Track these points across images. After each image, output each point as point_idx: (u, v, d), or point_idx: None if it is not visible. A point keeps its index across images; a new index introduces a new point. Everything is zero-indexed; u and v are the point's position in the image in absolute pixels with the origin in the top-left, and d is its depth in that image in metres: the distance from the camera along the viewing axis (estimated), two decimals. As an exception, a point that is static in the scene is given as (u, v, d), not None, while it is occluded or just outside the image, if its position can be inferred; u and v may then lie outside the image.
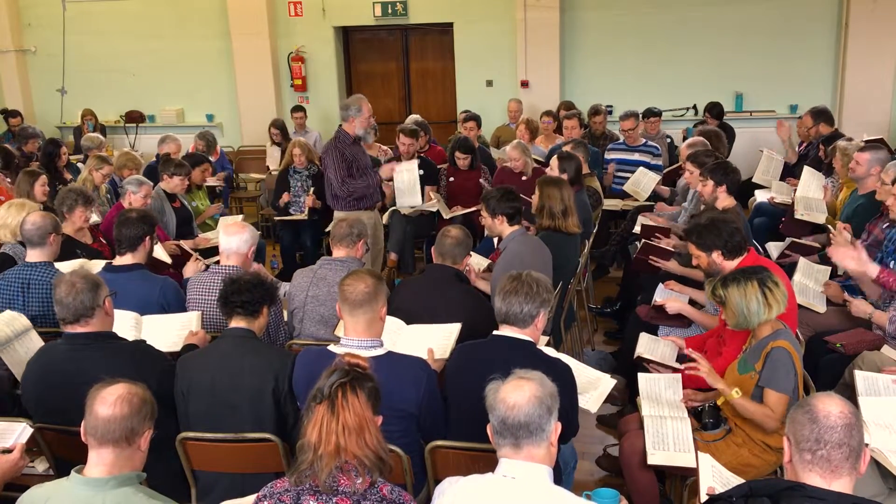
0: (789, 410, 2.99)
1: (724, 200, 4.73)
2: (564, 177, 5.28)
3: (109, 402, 2.20)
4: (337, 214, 5.51)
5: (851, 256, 3.92)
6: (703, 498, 2.34)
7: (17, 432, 3.04)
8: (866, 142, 6.26)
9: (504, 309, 2.94)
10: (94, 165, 6.38)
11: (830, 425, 1.95)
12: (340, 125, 5.66)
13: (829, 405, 1.99)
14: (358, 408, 2.09)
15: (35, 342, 3.59)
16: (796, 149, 7.40)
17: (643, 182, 6.66)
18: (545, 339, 3.68)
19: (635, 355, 3.74)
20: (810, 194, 5.65)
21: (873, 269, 3.89)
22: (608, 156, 7.32)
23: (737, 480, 2.51)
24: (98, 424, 2.18)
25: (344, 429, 2.06)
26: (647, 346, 3.77)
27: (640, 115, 7.54)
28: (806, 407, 2.01)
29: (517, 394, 2.13)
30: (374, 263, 5.61)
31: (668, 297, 4.20)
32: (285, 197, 7.09)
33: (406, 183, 6.52)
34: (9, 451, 2.84)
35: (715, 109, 8.30)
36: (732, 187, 4.79)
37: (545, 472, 2.12)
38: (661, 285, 4.38)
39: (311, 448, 2.07)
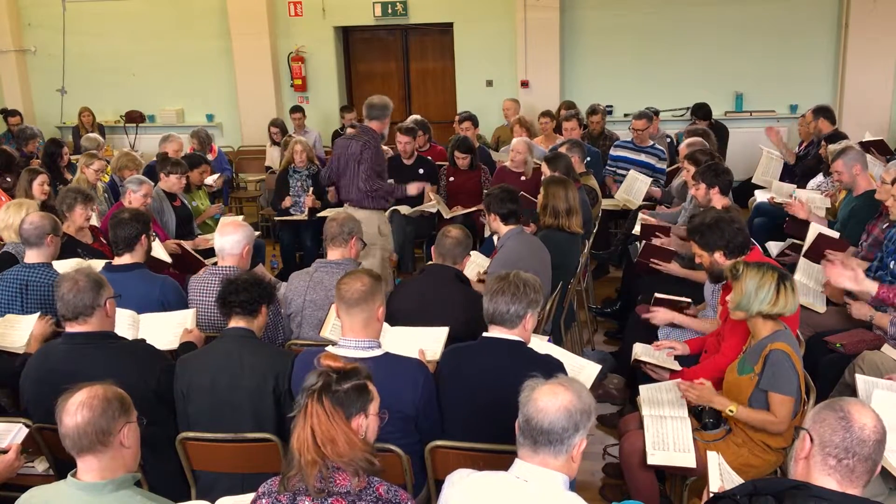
0: (796, 411, 3.03)
1: (719, 201, 4.72)
2: (560, 177, 5.28)
3: (72, 411, 2.16)
4: (357, 213, 5.11)
5: (848, 276, 3.86)
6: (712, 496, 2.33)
7: (13, 433, 3.04)
8: (863, 143, 6.26)
9: (491, 309, 2.92)
10: (84, 163, 6.38)
11: (864, 438, 1.94)
12: (362, 123, 5.59)
13: (865, 416, 1.97)
14: (323, 417, 2.05)
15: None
16: (795, 149, 7.39)
17: (635, 187, 6.57)
18: (545, 337, 3.67)
19: (632, 360, 3.73)
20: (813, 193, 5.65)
21: (871, 287, 3.84)
22: (613, 153, 7.23)
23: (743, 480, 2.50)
24: (69, 434, 2.16)
25: (314, 439, 2.04)
26: (643, 350, 3.77)
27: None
28: (841, 412, 1.97)
29: (549, 399, 2.08)
30: (381, 266, 5.46)
31: (665, 340, 3.99)
32: (287, 201, 7.06)
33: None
34: (4, 451, 2.84)
35: (701, 111, 8.28)
36: (725, 188, 4.78)
37: (560, 479, 2.09)
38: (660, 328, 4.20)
39: (295, 456, 2.06)
